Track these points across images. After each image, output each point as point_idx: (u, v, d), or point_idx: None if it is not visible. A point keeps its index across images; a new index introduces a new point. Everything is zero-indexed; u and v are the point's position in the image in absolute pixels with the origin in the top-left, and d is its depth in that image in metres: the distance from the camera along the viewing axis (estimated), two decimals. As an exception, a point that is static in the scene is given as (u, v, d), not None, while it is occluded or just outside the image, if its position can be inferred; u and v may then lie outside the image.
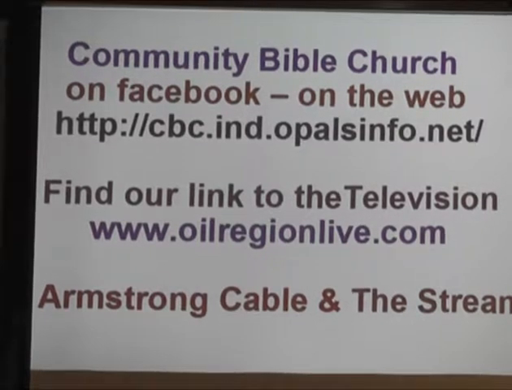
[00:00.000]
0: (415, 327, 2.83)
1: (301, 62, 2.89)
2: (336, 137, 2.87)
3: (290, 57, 2.89)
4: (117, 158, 2.86)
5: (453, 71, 2.89)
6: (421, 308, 2.83)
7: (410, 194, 2.86)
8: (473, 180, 2.86)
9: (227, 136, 2.87)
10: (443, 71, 2.89)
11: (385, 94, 2.88)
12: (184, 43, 2.89)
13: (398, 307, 2.83)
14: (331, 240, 2.85)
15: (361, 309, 2.83)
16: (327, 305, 2.84)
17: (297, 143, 2.88)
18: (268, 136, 2.88)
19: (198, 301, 2.84)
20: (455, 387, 2.81)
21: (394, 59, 2.89)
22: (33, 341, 2.82)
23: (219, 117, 2.88)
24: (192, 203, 2.86)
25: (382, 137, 2.87)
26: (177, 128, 2.88)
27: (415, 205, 2.85)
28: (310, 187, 2.86)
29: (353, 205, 2.86)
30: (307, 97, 2.88)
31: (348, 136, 2.88)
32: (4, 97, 2.91)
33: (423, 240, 2.84)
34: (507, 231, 2.85)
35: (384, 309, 2.83)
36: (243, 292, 2.84)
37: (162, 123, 2.87)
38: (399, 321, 2.83)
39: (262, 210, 2.86)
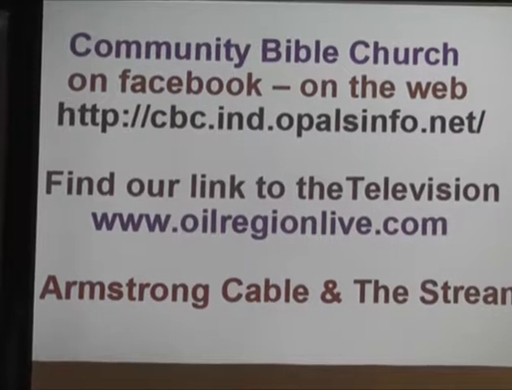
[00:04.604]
0: (417, 318, 2.82)
1: (302, 54, 2.89)
2: (337, 128, 2.87)
3: (292, 48, 2.88)
4: (119, 149, 2.86)
5: (455, 63, 2.88)
6: (423, 299, 2.83)
7: (412, 185, 2.85)
8: (475, 172, 2.85)
9: (229, 127, 2.87)
10: (445, 63, 2.89)
11: (387, 85, 2.88)
12: (185, 34, 2.88)
13: (400, 298, 2.83)
14: (332, 232, 2.84)
15: (362, 300, 2.83)
16: (328, 297, 2.83)
17: (299, 134, 2.87)
18: (270, 128, 2.87)
19: (200, 293, 2.83)
20: (456, 378, 2.80)
21: (396, 50, 2.89)
22: (35, 332, 2.82)
23: (221, 108, 2.87)
24: (193, 194, 2.85)
25: (384, 128, 2.87)
26: (179, 119, 2.87)
27: (417, 196, 2.85)
28: (311, 178, 2.86)
29: (354, 197, 2.85)
30: (309, 88, 2.88)
31: (350, 127, 2.87)
32: (6, 89, 2.90)
33: (424, 232, 2.84)
34: (509, 222, 2.85)
35: (386, 300, 2.83)
36: (245, 283, 2.84)
37: (163, 114, 2.87)
38: (401, 312, 2.82)
39: (264, 201, 2.86)
